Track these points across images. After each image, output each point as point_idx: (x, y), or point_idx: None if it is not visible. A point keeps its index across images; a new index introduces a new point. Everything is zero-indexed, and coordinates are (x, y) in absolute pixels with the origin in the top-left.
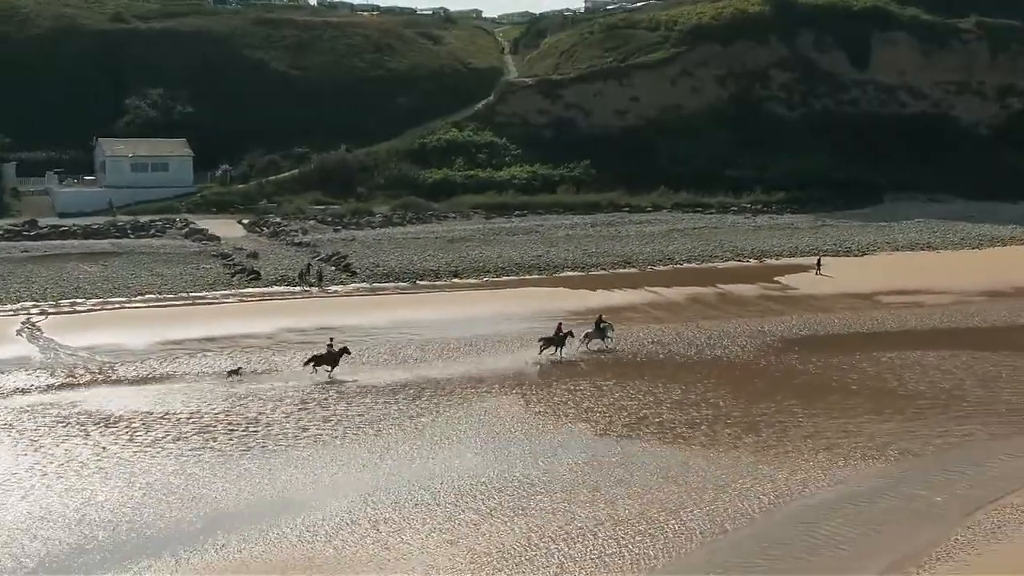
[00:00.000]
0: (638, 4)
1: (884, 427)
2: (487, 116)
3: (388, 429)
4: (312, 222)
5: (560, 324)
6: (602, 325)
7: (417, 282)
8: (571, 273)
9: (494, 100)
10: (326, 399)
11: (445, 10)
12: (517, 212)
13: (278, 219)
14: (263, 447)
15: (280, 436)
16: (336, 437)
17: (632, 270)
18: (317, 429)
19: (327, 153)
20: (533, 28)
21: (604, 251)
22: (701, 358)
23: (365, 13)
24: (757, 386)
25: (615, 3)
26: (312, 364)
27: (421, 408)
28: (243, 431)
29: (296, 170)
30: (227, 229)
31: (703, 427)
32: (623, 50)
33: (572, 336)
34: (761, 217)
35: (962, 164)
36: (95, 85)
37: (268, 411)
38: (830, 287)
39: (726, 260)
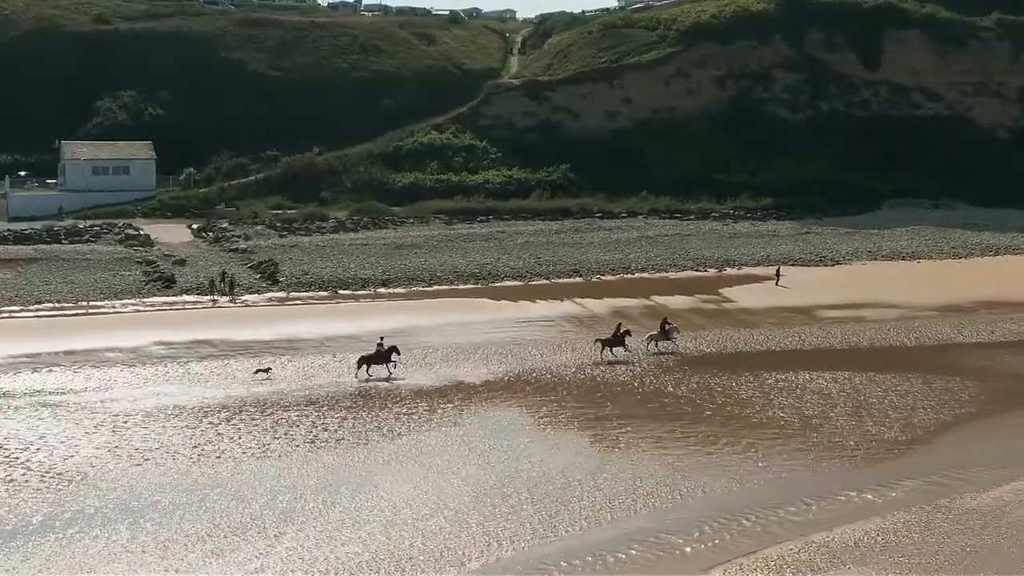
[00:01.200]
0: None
1: (702, 460)
2: (470, 119)
3: None
4: (260, 227)
5: (619, 324)
6: (667, 327)
7: (338, 291)
8: (511, 283)
9: (478, 102)
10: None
11: (452, 11)
12: (481, 218)
13: (225, 224)
14: None
15: None
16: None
17: (577, 280)
18: None
19: (294, 156)
20: (540, 28)
21: (557, 259)
22: (565, 378)
23: (369, 14)
24: (604, 411)
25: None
26: (363, 365)
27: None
28: None
29: (261, 174)
30: (173, 234)
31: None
32: (618, 50)
33: (630, 335)
34: (742, 224)
35: (975, 169)
36: (73, 87)
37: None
38: (772, 300)
39: (683, 270)
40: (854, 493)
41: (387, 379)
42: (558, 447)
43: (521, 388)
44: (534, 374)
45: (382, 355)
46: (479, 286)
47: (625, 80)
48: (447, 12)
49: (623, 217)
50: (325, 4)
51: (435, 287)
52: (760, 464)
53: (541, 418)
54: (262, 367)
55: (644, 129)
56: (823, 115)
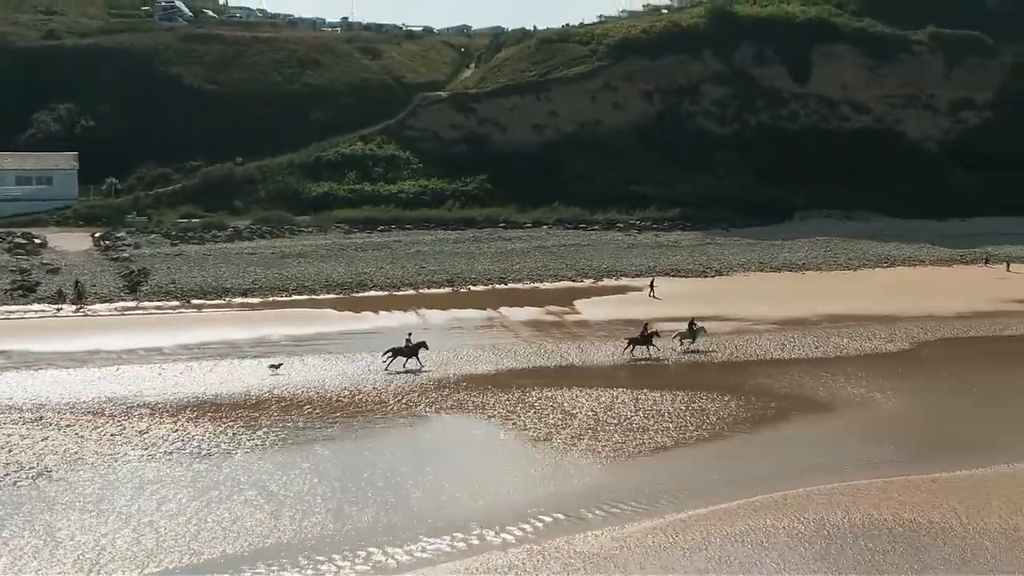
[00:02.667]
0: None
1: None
2: (397, 130)
3: None
4: (156, 236)
5: (646, 324)
6: (695, 328)
7: (191, 301)
8: (376, 293)
9: (406, 115)
10: None
11: (405, 26)
12: (383, 227)
13: (122, 233)
14: None
15: None
16: None
17: (446, 290)
18: None
19: (214, 166)
20: (494, 43)
21: (439, 269)
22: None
23: (330, 30)
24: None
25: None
26: (391, 356)
27: None
28: None
29: (180, 184)
30: (74, 243)
31: None
32: (549, 64)
33: (659, 336)
34: (646, 235)
35: (901, 181)
36: (16, 100)
37: None
38: (617, 313)
39: (560, 280)
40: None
41: (416, 371)
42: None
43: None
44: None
45: (411, 349)
46: (341, 296)
47: (553, 94)
48: (403, 28)
49: (528, 227)
50: (286, 20)
51: (295, 296)
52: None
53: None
54: (274, 363)
55: (570, 142)
56: (751, 128)
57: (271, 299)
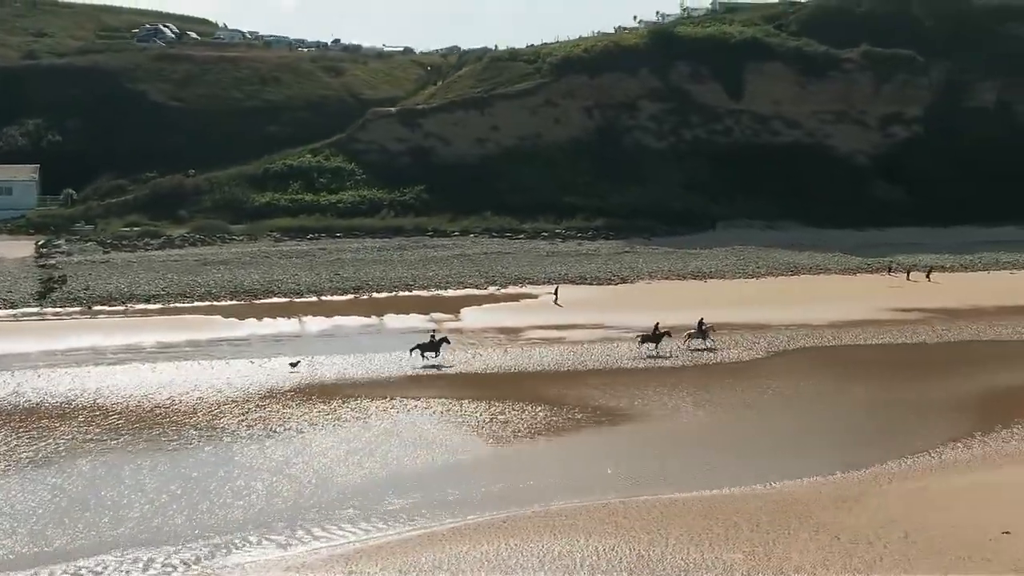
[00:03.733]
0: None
1: None
2: (347, 143)
3: None
4: (92, 244)
5: (657, 324)
6: (704, 328)
7: (92, 308)
8: (278, 299)
9: (355, 128)
10: None
11: (386, 46)
12: (312, 235)
13: (61, 241)
14: None
15: None
16: None
17: (349, 297)
18: None
19: (165, 177)
20: (459, 62)
21: (354, 276)
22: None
23: (305, 50)
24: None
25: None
26: (418, 351)
27: None
28: None
29: (131, 194)
30: (15, 250)
31: None
32: (495, 81)
33: (670, 336)
34: (569, 243)
35: (827, 193)
36: None
37: None
38: (499, 321)
39: (466, 287)
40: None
41: (437, 366)
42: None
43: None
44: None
45: (434, 344)
46: (242, 302)
47: (495, 109)
48: (383, 48)
49: (455, 236)
50: (263, 42)
51: (196, 303)
52: None
53: None
54: (292, 361)
55: (510, 155)
56: (686, 142)
57: (172, 305)
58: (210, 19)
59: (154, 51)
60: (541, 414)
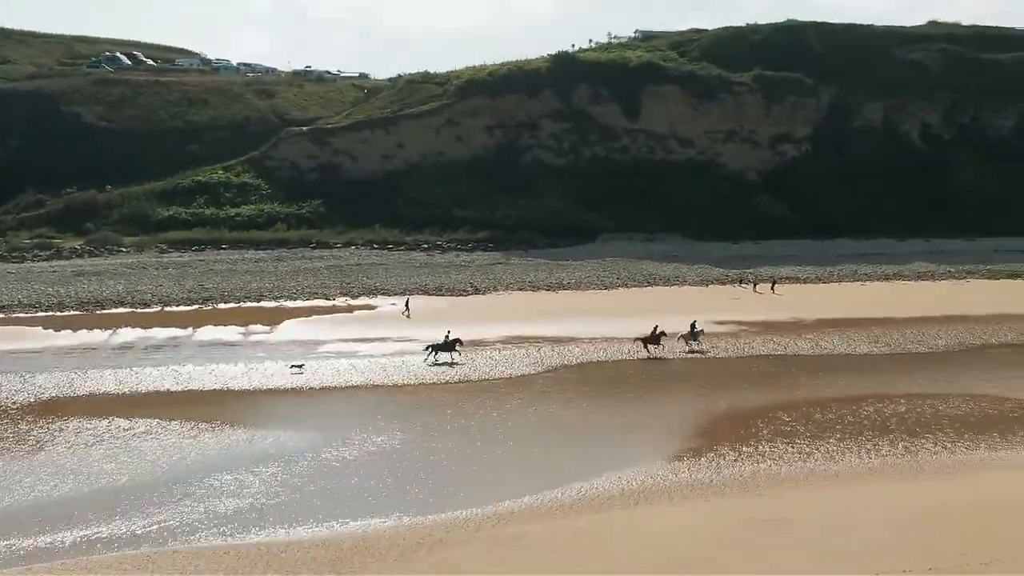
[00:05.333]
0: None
1: None
2: (259, 160)
3: None
4: None
5: (656, 326)
6: (696, 330)
7: None
8: (121, 310)
9: (268, 147)
10: None
11: (340, 72)
12: (197, 247)
13: None
14: None
15: None
16: None
17: (195, 307)
18: None
19: (79, 192)
20: (391, 85)
21: (214, 286)
22: None
23: (251, 74)
24: None
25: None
26: (431, 351)
27: None
28: None
29: (44, 209)
30: None
31: None
32: (406, 102)
33: (666, 336)
34: (447, 255)
35: (710, 207)
36: None
37: None
38: (316, 334)
39: (315, 298)
40: None
41: (451, 364)
42: None
43: None
44: None
45: (447, 344)
46: (84, 312)
47: (401, 128)
48: (337, 73)
49: (337, 247)
50: (213, 67)
51: (38, 313)
52: None
53: None
54: (297, 364)
55: (413, 171)
56: (585, 160)
57: (12, 315)
58: (190, 49)
59: (95, 76)
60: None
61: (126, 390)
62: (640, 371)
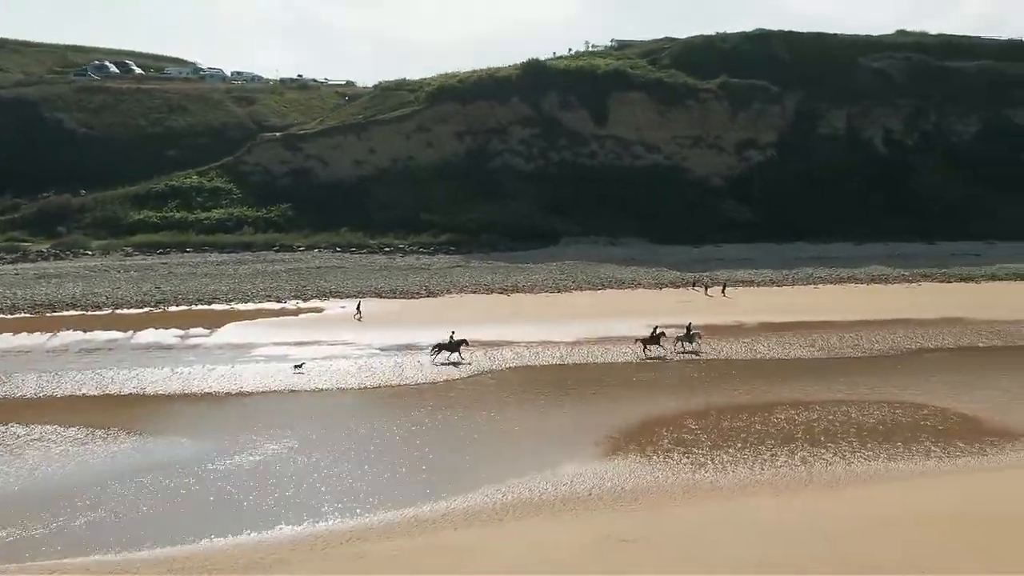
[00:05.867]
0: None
1: None
2: (233, 166)
3: None
4: None
5: (656, 327)
6: (692, 333)
7: None
8: (71, 312)
9: (242, 152)
10: None
11: (327, 80)
12: (162, 250)
13: None
14: None
15: None
16: None
17: (146, 310)
18: None
19: (53, 196)
20: (369, 92)
21: (172, 289)
22: None
23: (238, 82)
24: None
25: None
26: (436, 350)
27: None
28: None
29: (19, 212)
30: None
31: None
32: (377, 108)
33: (665, 337)
34: (408, 258)
35: (675, 211)
36: None
37: None
38: (241, 338)
39: (266, 300)
40: None
41: (456, 363)
42: None
43: None
44: None
45: (453, 344)
46: (33, 316)
47: (372, 133)
48: (324, 81)
49: (300, 251)
50: (199, 74)
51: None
52: None
53: None
54: (298, 363)
55: (384, 176)
56: (554, 164)
57: None
58: (185, 59)
59: (79, 84)
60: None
61: (42, 394)
62: (563, 376)
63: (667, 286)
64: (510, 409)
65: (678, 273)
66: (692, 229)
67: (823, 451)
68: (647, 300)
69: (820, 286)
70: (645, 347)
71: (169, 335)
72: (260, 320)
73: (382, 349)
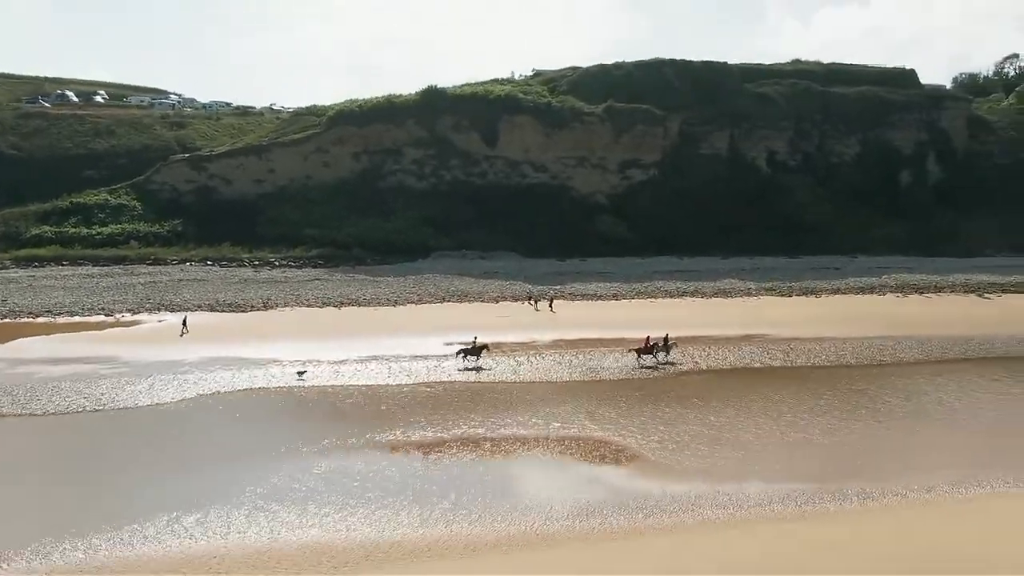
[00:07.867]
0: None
1: None
2: (143, 184)
3: None
4: None
5: (648, 337)
6: (669, 344)
7: None
8: None
9: (151, 172)
10: None
11: (280, 106)
12: (37, 264)
13: None
14: None
15: None
16: None
17: None
18: None
19: None
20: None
21: (15, 303)
22: None
23: (189, 109)
24: None
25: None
26: (462, 355)
27: None
28: None
29: None
30: None
31: None
32: (283, 131)
33: (658, 347)
34: (275, 271)
35: (551, 227)
36: None
37: None
38: (30, 352)
39: (93, 314)
40: None
41: (477, 369)
42: None
43: None
44: None
45: (476, 349)
46: None
47: (272, 155)
48: (271, 107)
49: (173, 264)
50: (151, 103)
51: None
52: None
53: None
54: (300, 370)
55: (280, 194)
56: (446, 183)
57: None
58: (163, 88)
59: (24, 110)
60: None
61: None
62: (303, 398)
63: (507, 300)
64: (224, 431)
65: (530, 286)
66: (566, 244)
67: (412, 505)
68: (464, 314)
69: (658, 299)
70: (639, 356)
71: None
72: (59, 335)
73: (203, 362)
